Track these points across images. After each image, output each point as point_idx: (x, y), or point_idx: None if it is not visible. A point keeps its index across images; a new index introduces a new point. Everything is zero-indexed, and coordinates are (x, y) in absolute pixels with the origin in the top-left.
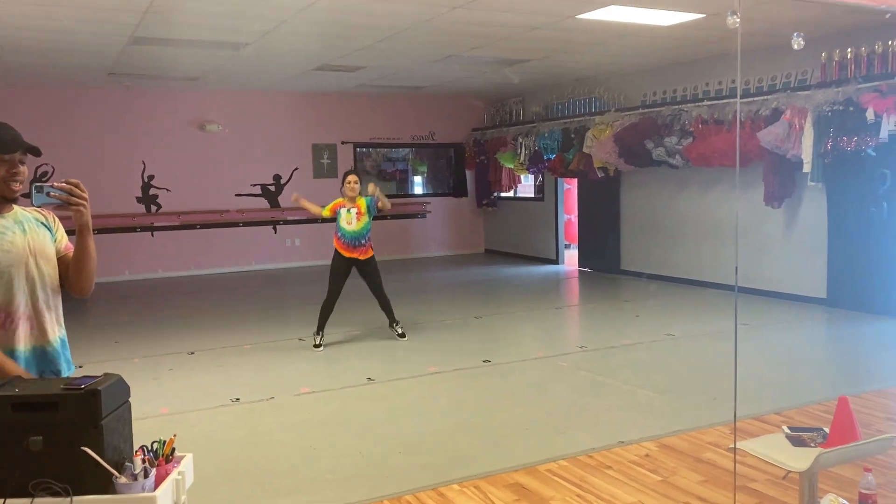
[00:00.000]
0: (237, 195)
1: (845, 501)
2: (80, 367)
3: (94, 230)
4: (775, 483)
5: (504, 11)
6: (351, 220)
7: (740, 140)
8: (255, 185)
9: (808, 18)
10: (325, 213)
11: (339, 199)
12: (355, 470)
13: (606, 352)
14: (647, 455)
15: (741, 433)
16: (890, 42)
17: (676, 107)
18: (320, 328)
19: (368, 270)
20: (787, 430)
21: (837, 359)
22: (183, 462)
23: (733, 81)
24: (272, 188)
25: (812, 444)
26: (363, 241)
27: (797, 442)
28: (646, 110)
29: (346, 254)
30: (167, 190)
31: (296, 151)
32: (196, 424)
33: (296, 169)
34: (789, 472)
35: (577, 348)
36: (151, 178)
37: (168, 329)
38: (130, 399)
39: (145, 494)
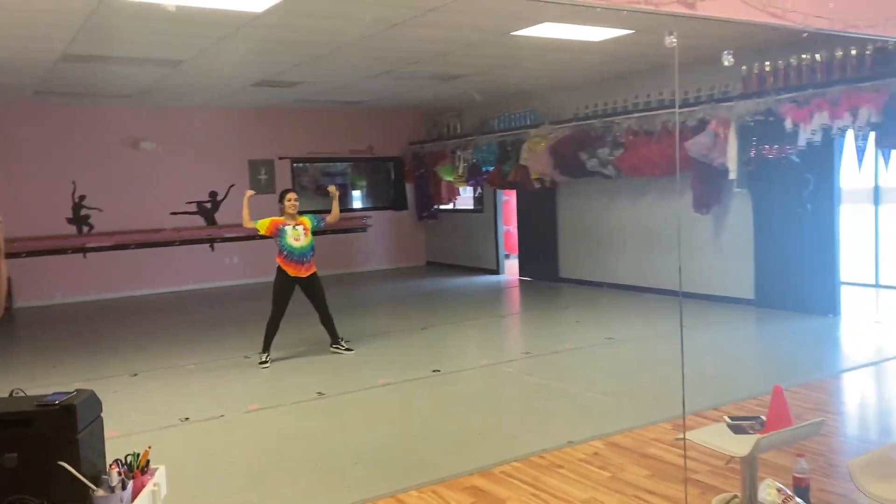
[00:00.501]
0: (172, 213)
1: (781, 485)
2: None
3: (22, 253)
4: (717, 473)
5: (442, 29)
6: (298, 236)
7: (669, 150)
8: (190, 202)
9: (729, 35)
10: (261, 229)
11: (278, 217)
12: (313, 483)
13: (550, 357)
14: (595, 453)
15: (682, 428)
16: (804, 56)
17: (608, 119)
18: (266, 347)
19: (313, 287)
20: (728, 420)
21: (767, 356)
22: (157, 474)
23: (661, 94)
24: (208, 205)
25: (751, 432)
26: (309, 258)
27: (738, 430)
28: (579, 123)
29: (293, 272)
30: (99, 210)
31: (232, 168)
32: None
33: (232, 185)
34: (732, 457)
35: (523, 355)
36: (83, 198)
37: (107, 351)
38: None
39: None
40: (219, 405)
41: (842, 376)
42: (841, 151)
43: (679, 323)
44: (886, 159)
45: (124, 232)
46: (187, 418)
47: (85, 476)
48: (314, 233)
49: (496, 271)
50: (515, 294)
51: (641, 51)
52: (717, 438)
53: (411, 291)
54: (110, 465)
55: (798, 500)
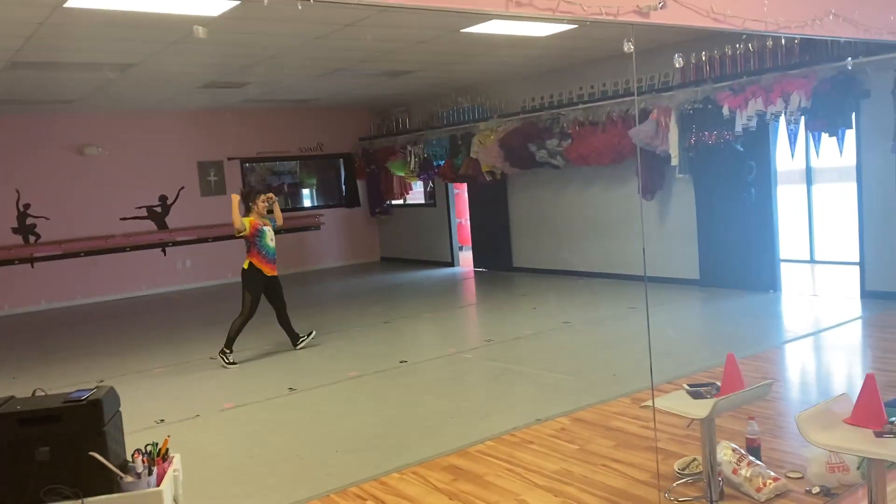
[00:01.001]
0: (122, 219)
1: (735, 445)
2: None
3: None
4: (676, 440)
5: (392, 28)
6: (272, 237)
7: (614, 139)
8: (140, 207)
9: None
10: (248, 228)
11: (252, 218)
12: (296, 472)
13: (512, 343)
14: (562, 429)
15: (641, 401)
16: (738, 45)
17: (554, 111)
18: (229, 345)
19: (277, 288)
20: (687, 387)
21: (714, 332)
22: (175, 461)
23: (604, 85)
24: (158, 209)
25: (708, 396)
26: (276, 258)
27: (696, 395)
28: (526, 115)
29: (268, 271)
30: (46, 218)
31: (181, 170)
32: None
33: (182, 188)
34: (693, 420)
35: (485, 342)
36: (28, 206)
37: (68, 360)
38: None
39: (152, 490)
40: (192, 406)
41: (784, 347)
42: (776, 136)
43: (629, 305)
44: (817, 144)
45: (73, 240)
46: (162, 420)
47: (112, 464)
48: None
49: (451, 263)
50: (472, 285)
51: (585, 44)
52: (680, 404)
53: (368, 287)
54: (133, 454)
55: (751, 458)
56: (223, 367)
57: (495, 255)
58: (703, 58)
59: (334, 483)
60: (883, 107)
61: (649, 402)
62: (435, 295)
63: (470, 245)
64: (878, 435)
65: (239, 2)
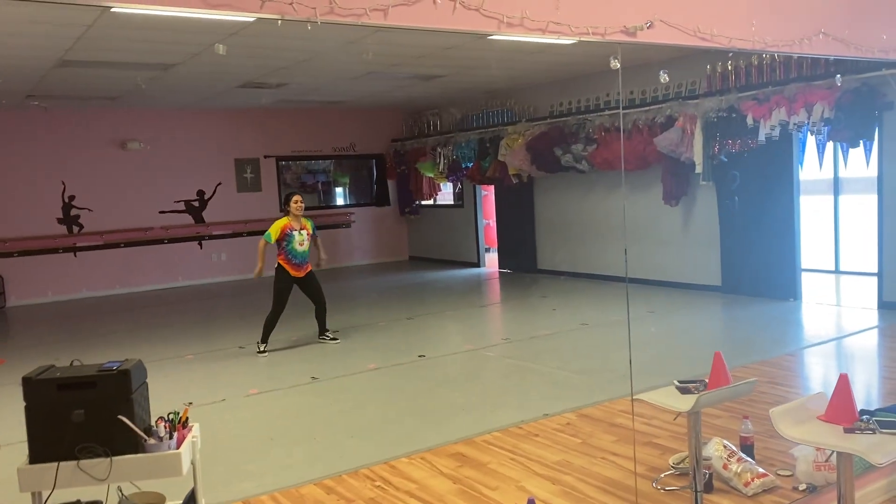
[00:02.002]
0: (161, 212)
1: (727, 442)
2: None
3: (14, 253)
4: (675, 437)
5: (421, 34)
6: (303, 241)
7: (640, 146)
8: (178, 201)
9: None
10: (273, 238)
11: (285, 220)
12: (312, 454)
13: (528, 342)
14: (568, 423)
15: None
16: (764, 55)
17: (581, 116)
18: (265, 339)
19: (311, 285)
20: (677, 383)
21: (729, 336)
22: (194, 429)
23: (631, 92)
24: (196, 204)
25: (695, 391)
26: (308, 260)
27: (684, 391)
28: (553, 120)
29: (294, 273)
30: (89, 210)
31: (219, 167)
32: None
33: (219, 184)
34: (679, 413)
35: (502, 340)
36: (72, 198)
37: (104, 345)
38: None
39: (172, 452)
40: (220, 391)
41: (797, 353)
42: (802, 146)
43: (645, 309)
44: (845, 154)
45: (114, 231)
46: (191, 403)
47: (138, 428)
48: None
49: (477, 264)
50: (495, 285)
51: (611, 52)
52: (667, 398)
53: (395, 284)
54: (156, 421)
55: (742, 454)
56: (256, 354)
57: (520, 257)
58: (729, 67)
59: (346, 465)
60: None
61: (639, 396)
62: (459, 294)
63: (496, 246)
64: (848, 431)
65: (254, 18)
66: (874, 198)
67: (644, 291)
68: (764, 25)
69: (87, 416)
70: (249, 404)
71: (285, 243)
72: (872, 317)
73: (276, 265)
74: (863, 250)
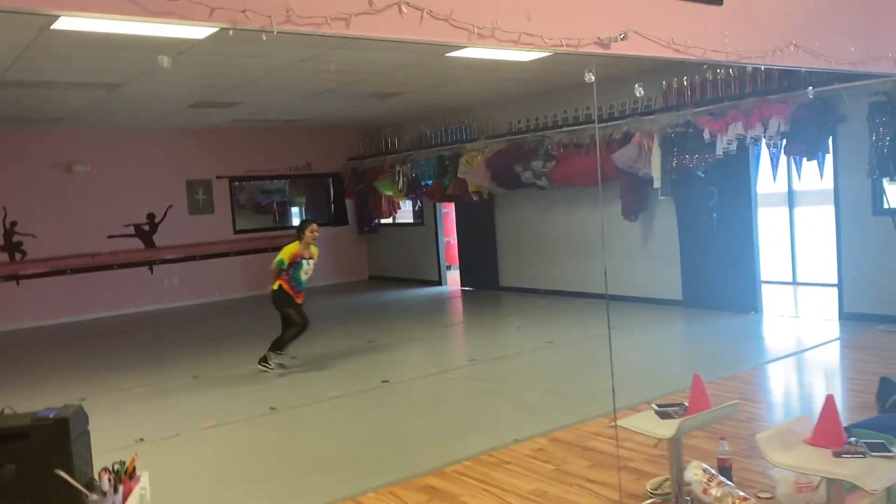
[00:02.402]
0: (109, 237)
1: (706, 465)
2: None
3: None
4: (651, 460)
5: (378, 51)
6: (309, 271)
7: (598, 161)
8: (128, 225)
9: None
10: (286, 263)
11: (296, 247)
12: (273, 492)
13: (495, 362)
14: (540, 449)
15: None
16: (719, 70)
17: (540, 133)
18: (278, 348)
19: (301, 309)
20: (656, 407)
21: (695, 352)
22: (143, 479)
23: (588, 108)
24: (146, 227)
25: (675, 416)
26: (306, 288)
27: (664, 415)
28: (512, 137)
29: (297, 300)
30: (32, 236)
31: (170, 189)
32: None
33: (170, 206)
34: (660, 439)
35: (468, 361)
36: (14, 224)
37: (50, 379)
38: None
39: None
40: (173, 424)
41: (762, 368)
42: (757, 159)
43: (608, 325)
44: (798, 167)
45: (59, 257)
46: (142, 439)
47: (79, 483)
48: (255, 251)
49: (438, 282)
50: (458, 304)
51: (569, 69)
52: (646, 423)
53: (355, 306)
54: (100, 473)
55: (721, 478)
56: (264, 370)
57: (482, 275)
58: (685, 82)
59: (310, 503)
60: (859, 132)
61: (620, 423)
62: (421, 314)
63: (457, 264)
64: (837, 455)
65: (214, 30)
66: (829, 209)
67: (605, 307)
68: (736, 37)
69: (19, 472)
70: (204, 438)
71: (292, 270)
72: (834, 328)
73: (275, 286)
74: (819, 261)
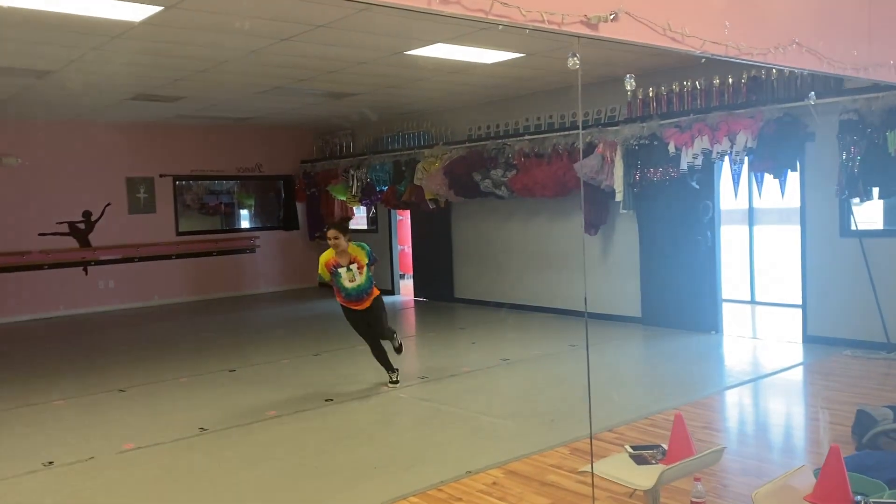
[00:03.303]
0: (41, 234)
1: None
2: None
3: None
4: (617, 500)
5: (332, 45)
6: (353, 276)
7: (559, 172)
8: (61, 223)
9: (614, 59)
10: (325, 277)
11: (329, 255)
12: None
13: (447, 381)
14: (494, 483)
15: (580, 452)
16: (685, 82)
17: (500, 141)
18: (388, 367)
19: (370, 318)
20: (630, 450)
21: (657, 374)
22: None
23: (550, 117)
24: (81, 226)
25: (653, 462)
26: (367, 294)
27: (640, 461)
28: (472, 144)
29: (355, 307)
30: None
31: (108, 186)
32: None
33: (108, 204)
34: (635, 490)
35: (419, 379)
36: None
37: None
38: None
39: None
40: (89, 445)
41: (726, 393)
42: (720, 176)
43: (567, 343)
44: (760, 184)
45: None
46: (51, 462)
47: None
48: (193, 255)
49: (392, 292)
50: (411, 315)
51: (532, 74)
52: (621, 471)
53: (303, 315)
54: None
55: None
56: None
57: (437, 285)
58: (651, 93)
59: None
60: (828, 150)
61: (587, 468)
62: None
63: (411, 273)
64: None
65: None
66: (790, 228)
67: (563, 323)
68: (738, 28)
69: None
70: (122, 463)
71: (334, 279)
72: (798, 351)
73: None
74: (780, 281)
